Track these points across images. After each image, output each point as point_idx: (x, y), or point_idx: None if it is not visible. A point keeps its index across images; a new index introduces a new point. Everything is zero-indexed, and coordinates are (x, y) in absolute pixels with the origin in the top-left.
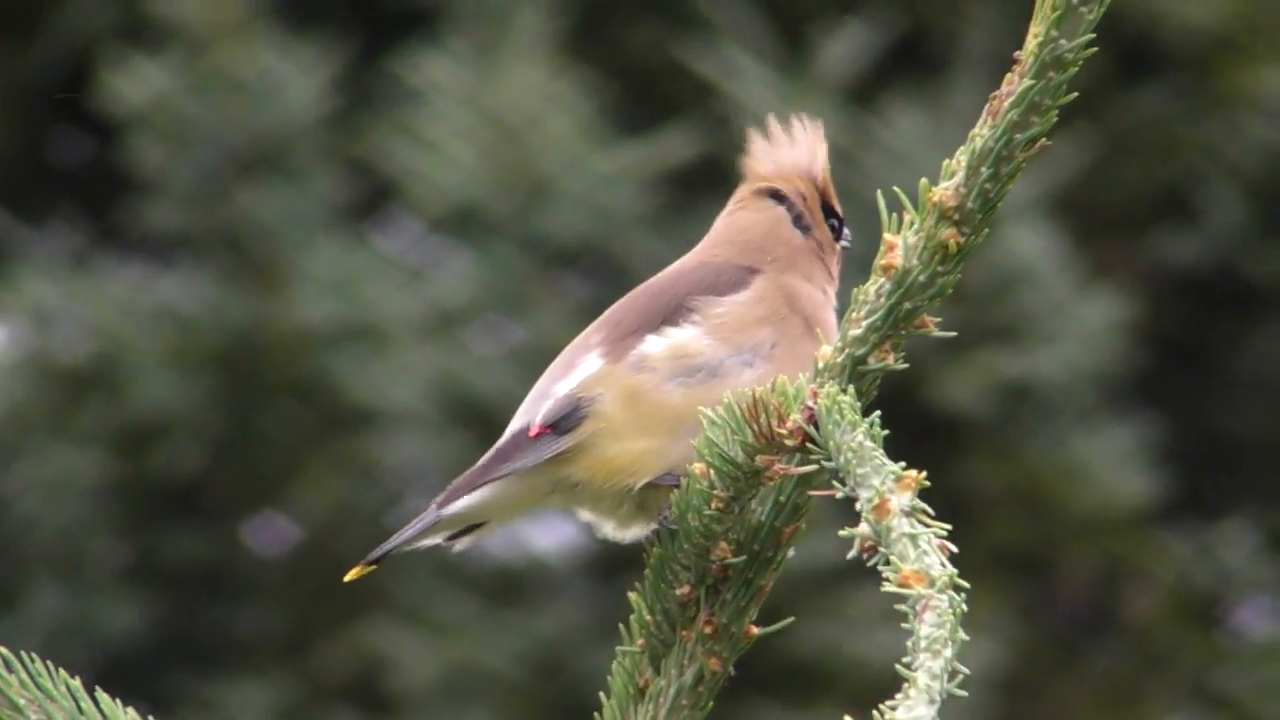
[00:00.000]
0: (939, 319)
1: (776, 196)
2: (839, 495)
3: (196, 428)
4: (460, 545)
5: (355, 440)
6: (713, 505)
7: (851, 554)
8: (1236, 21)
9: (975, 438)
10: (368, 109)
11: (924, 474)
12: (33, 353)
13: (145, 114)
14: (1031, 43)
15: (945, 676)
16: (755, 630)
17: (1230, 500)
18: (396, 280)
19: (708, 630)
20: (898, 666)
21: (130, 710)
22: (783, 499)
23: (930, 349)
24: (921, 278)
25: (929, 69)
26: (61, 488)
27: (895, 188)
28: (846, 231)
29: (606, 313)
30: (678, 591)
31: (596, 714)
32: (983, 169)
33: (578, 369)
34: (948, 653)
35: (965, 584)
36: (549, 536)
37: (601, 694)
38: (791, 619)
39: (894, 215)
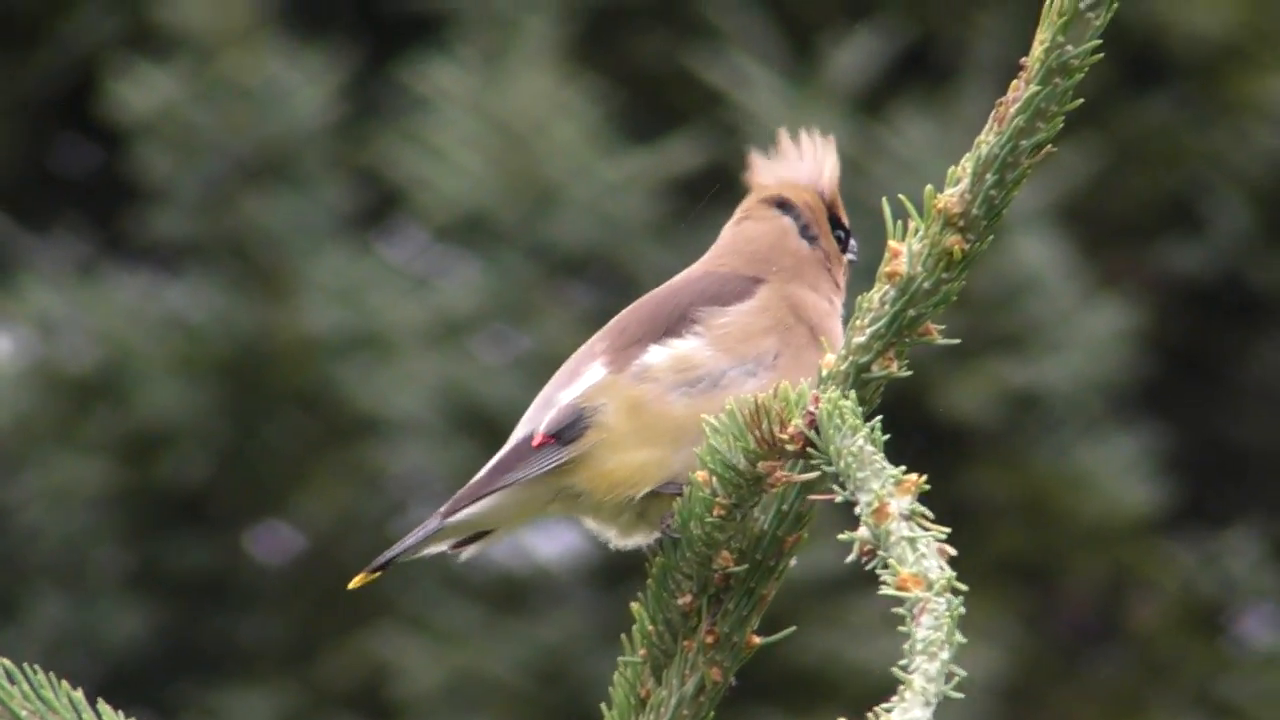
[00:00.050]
0: (943, 326)
1: (783, 207)
2: (839, 499)
3: (202, 436)
4: (466, 554)
5: (360, 449)
6: (715, 513)
7: (851, 558)
8: (1243, 30)
9: (981, 446)
10: (375, 117)
11: (924, 478)
12: (38, 361)
13: (152, 122)
14: (1038, 49)
15: (942, 679)
16: (757, 640)
17: (1235, 509)
18: (402, 289)
19: (709, 640)
20: (894, 670)
21: None
22: (785, 508)
23: (936, 357)
24: (926, 285)
25: (938, 77)
26: (66, 496)
27: (901, 195)
28: (853, 243)
29: (612, 321)
30: (680, 601)
31: None
32: (988, 175)
33: (582, 378)
34: (944, 655)
35: (964, 587)
36: (553, 544)
37: (603, 705)
38: (793, 628)
39: (899, 222)
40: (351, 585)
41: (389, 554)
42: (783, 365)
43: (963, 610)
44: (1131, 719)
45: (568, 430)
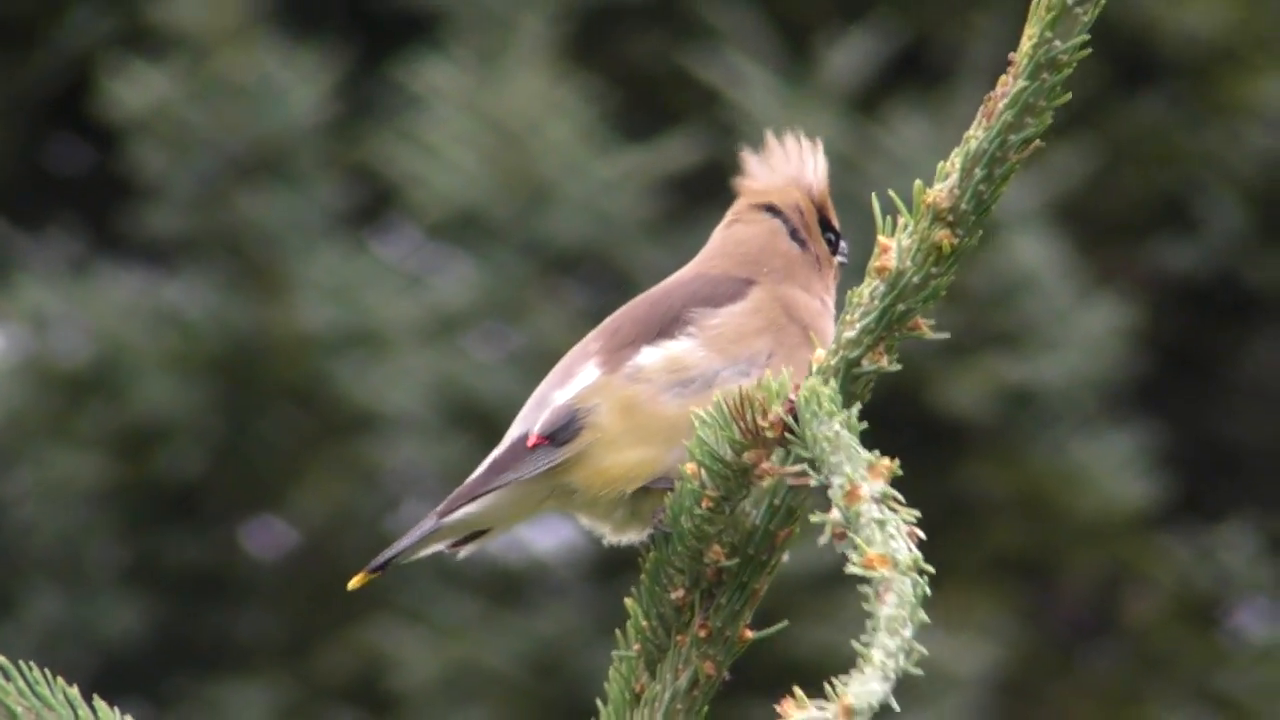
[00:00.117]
0: (932, 321)
1: (772, 210)
2: (814, 483)
3: (196, 432)
4: (464, 552)
5: (354, 445)
6: (703, 505)
7: (823, 539)
8: (1235, 31)
9: (978, 443)
10: (369, 115)
11: (897, 462)
12: (32, 357)
13: (146, 120)
14: (1026, 44)
15: (901, 655)
16: (750, 634)
17: (1230, 504)
18: (396, 286)
19: (702, 634)
20: (853, 643)
21: (128, 718)
22: (776, 502)
23: (933, 355)
24: (915, 279)
25: (933, 77)
26: (61, 491)
27: (891, 191)
28: (844, 246)
29: (605, 322)
30: (672, 595)
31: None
32: (976, 170)
33: (576, 378)
34: (906, 632)
35: (930, 569)
36: (549, 538)
37: (598, 700)
38: (785, 622)
39: (888, 218)
40: (350, 585)
41: (386, 554)
42: (776, 365)
43: (928, 591)
44: (1128, 713)
45: (562, 431)
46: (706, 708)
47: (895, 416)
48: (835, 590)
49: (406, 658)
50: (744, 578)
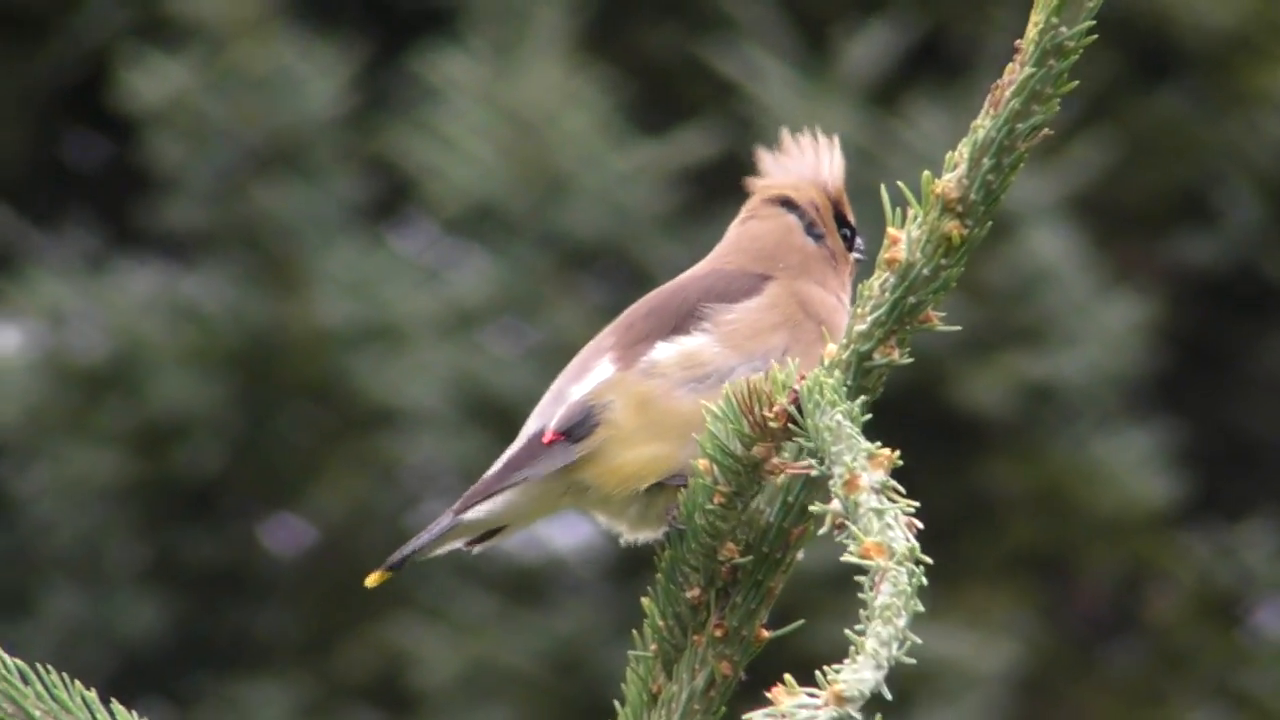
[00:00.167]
0: (943, 314)
1: (788, 205)
2: (814, 473)
3: (214, 428)
4: (479, 549)
5: (373, 440)
6: (715, 500)
7: (823, 530)
8: (1253, 21)
9: (997, 439)
10: (386, 107)
11: (897, 453)
12: (49, 353)
13: (164, 112)
14: (1032, 30)
15: (895, 644)
16: (766, 633)
17: (1250, 501)
18: (414, 280)
19: (718, 634)
20: (847, 632)
21: None
22: (790, 499)
23: (952, 351)
24: (925, 271)
25: (951, 70)
26: (79, 488)
27: (900, 183)
28: (859, 241)
29: (620, 317)
30: (688, 594)
31: None
32: (985, 160)
33: (591, 374)
34: (900, 621)
35: (927, 560)
36: (568, 536)
37: (616, 701)
38: (802, 621)
39: (898, 209)
40: (368, 582)
41: (403, 551)
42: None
43: (924, 581)
44: (1148, 711)
45: (578, 427)
46: (724, 708)
47: (914, 413)
48: (853, 588)
49: (426, 655)
50: (759, 576)
